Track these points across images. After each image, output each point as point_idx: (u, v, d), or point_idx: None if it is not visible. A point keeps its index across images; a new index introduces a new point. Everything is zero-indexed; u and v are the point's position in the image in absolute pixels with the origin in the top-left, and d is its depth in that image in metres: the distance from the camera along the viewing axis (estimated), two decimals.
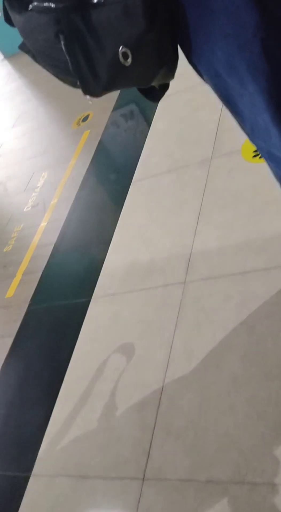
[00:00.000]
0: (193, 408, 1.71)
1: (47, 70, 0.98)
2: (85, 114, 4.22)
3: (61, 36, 0.84)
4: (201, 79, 1.03)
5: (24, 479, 1.86)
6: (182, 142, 3.04)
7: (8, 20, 0.94)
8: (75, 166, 3.62)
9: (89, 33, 0.84)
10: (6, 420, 2.18)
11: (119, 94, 4.17)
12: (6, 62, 7.18)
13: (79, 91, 0.95)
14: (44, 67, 0.98)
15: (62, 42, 0.84)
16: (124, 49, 0.84)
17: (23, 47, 0.98)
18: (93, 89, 0.92)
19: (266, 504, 1.40)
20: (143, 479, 1.63)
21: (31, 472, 1.87)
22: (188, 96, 3.38)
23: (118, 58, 0.85)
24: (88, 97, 0.95)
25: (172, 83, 1.15)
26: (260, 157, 2.55)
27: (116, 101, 4.10)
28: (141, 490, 1.60)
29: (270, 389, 1.62)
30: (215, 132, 2.88)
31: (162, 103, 3.77)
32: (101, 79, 0.90)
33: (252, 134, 1.07)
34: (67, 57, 0.86)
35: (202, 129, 3.00)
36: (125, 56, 0.85)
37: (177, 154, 2.97)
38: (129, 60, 0.85)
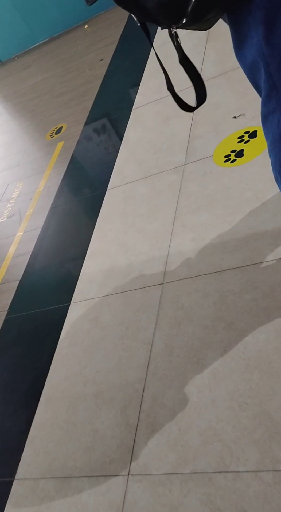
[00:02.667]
0: (176, 404, 1.74)
1: (139, 9, 1.07)
2: (59, 126, 4.26)
3: None
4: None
5: (7, 483, 1.84)
6: (155, 151, 3.10)
7: None
8: (50, 176, 3.64)
9: None
10: None
11: (92, 107, 4.24)
12: None
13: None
14: (134, 9, 1.07)
15: None
16: None
17: None
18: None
19: (250, 491, 1.42)
20: (128, 475, 1.64)
21: (14, 477, 1.86)
22: (158, 107, 3.46)
23: None
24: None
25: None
26: (231, 162, 2.64)
27: (89, 113, 4.16)
28: (126, 486, 1.61)
29: (250, 381, 1.66)
30: (187, 140, 2.96)
31: (133, 115, 3.85)
32: None
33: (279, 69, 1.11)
34: None
35: (174, 138, 3.07)
36: None
37: (151, 162, 3.03)
38: None
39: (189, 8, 1.01)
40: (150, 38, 1.24)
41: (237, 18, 1.11)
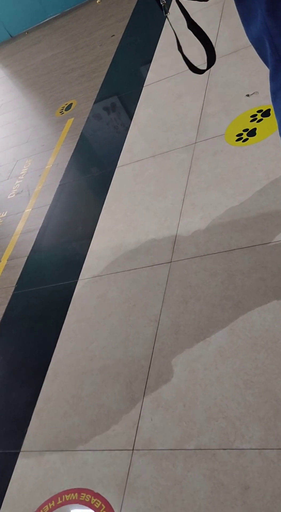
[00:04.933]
0: (181, 381, 1.74)
1: None
2: (69, 103, 4.21)
3: None
4: None
5: (13, 455, 1.87)
6: (165, 128, 3.07)
7: None
8: (60, 153, 3.61)
9: None
10: None
11: (102, 83, 4.19)
12: None
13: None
14: None
15: None
16: None
17: None
18: None
19: (254, 467, 1.43)
20: (132, 450, 1.65)
21: (20, 449, 1.88)
22: (170, 84, 3.41)
23: None
24: None
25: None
26: (243, 141, 2.60)
27: (100, 89, 4.11)
28: (131, 460, 1.63)
29: (256, 360, 1.66)
30: (198, 118, 2.91)
31: (144, 92, 3.78)
32: None
33: None
34: None
35: (185, 116, 3.03)
36: None
37: (161, 140, 2.99)
38: None
39: None
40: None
41: None
